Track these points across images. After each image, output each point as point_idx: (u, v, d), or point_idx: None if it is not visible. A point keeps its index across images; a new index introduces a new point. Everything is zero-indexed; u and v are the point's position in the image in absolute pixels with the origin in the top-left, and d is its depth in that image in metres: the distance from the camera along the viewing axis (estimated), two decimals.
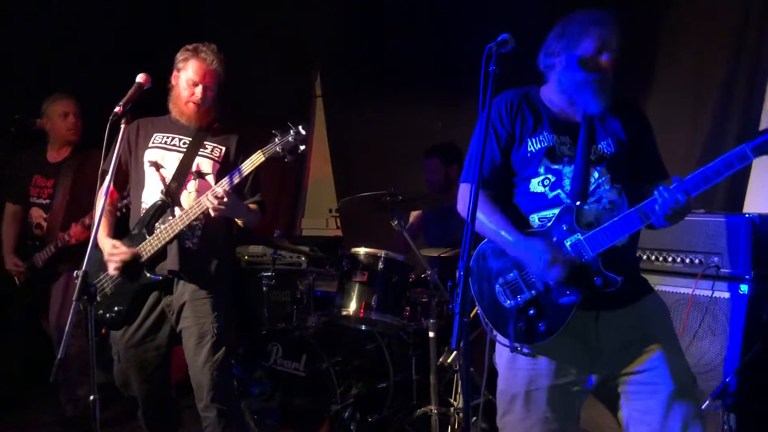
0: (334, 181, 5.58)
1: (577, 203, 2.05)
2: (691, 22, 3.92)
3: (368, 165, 5.32)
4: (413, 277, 3.60)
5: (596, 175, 2.08)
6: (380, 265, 3.40)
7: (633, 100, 2.28)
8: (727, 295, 2.78)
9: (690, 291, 2.87)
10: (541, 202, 2.12)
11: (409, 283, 3.54)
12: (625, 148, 2.12)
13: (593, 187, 2.07)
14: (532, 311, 2.07)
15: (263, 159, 2.65)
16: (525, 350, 2.06)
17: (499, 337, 2.15)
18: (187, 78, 2.82)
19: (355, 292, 3.41)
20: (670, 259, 2.97)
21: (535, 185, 2.13)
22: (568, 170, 2.10)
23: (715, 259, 2.83)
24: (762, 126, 3.47)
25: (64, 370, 3.64)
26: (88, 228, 3.62)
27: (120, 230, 2.92)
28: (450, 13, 4.67)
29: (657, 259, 3.00)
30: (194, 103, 2.84)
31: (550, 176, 2.11)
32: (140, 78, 2.48)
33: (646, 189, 2.06)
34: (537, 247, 2.02)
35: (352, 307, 3.39)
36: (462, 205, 2.24)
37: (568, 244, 2.04)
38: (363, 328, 3.64)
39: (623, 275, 1.99)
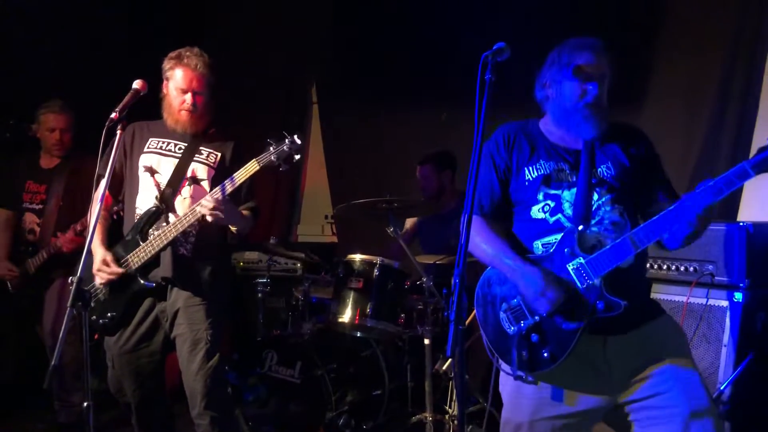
0: (330, 187, 5.59)
1: (579, 227, 2.02)
2: (685, 33, 3.95)
3: (364, 171, 5.32)
4: (408, 284, 3.59)
5: (596, 197, 2.06)
6: (376, 272, 3.40)
7: (633, 125, 2.26)
8: (721, 303, 2.79)
9: (685, 299, 2.88)
10: (542, 227, 2.10)
11: (404, 290, 3.53)
12: (627, 170, 2.09)
13: (594, 208, 2.04)
14: (535, 337, 2.01)
15: (258, 168, 2.63)
16: (529, 378, 2.00)
17: (504, 366, 2.09)
18: (176, 86, 2.79)
19: (351, 298, 3.40)
20: (665, 266, 2.98)
21: (536, 212, 2.11)
22: (567, 194, 2.08)
23: (710, 267, 2.84)
24: (755, 136, 3.48)
25: (58, 377, 3.63)
26: (79, 235, 3.62)
27: (113, 235, 2.91)
28: (448, 20, 4.69)
29: (652, 266, 3.01)
30: (186, 110, 2.81)
31: (549, 202, 2.09)
32: (137, 84, 2.47)
33: (656, 209, 2.00)
34: (531, 277, 2.00)
35: (348, 313, 3.38)
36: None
37: (570, 268, 2.00)
38: (358, 335, 3.64)
39: (629, 299, 1.93)
